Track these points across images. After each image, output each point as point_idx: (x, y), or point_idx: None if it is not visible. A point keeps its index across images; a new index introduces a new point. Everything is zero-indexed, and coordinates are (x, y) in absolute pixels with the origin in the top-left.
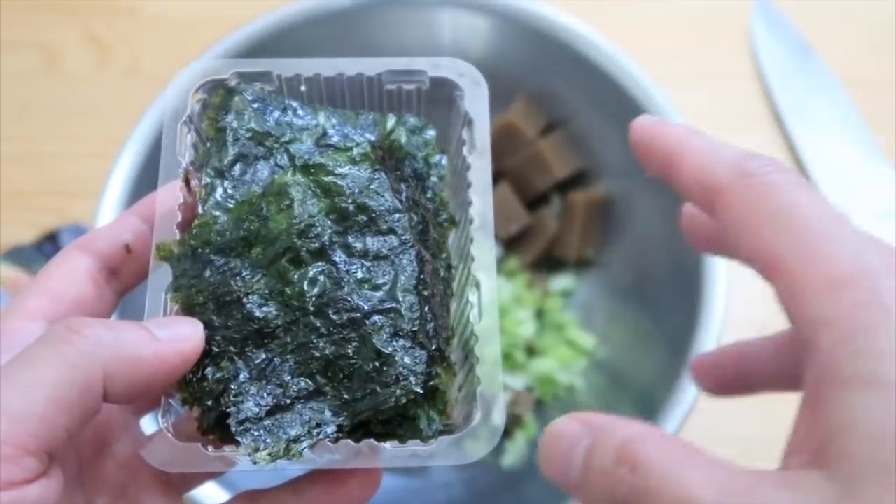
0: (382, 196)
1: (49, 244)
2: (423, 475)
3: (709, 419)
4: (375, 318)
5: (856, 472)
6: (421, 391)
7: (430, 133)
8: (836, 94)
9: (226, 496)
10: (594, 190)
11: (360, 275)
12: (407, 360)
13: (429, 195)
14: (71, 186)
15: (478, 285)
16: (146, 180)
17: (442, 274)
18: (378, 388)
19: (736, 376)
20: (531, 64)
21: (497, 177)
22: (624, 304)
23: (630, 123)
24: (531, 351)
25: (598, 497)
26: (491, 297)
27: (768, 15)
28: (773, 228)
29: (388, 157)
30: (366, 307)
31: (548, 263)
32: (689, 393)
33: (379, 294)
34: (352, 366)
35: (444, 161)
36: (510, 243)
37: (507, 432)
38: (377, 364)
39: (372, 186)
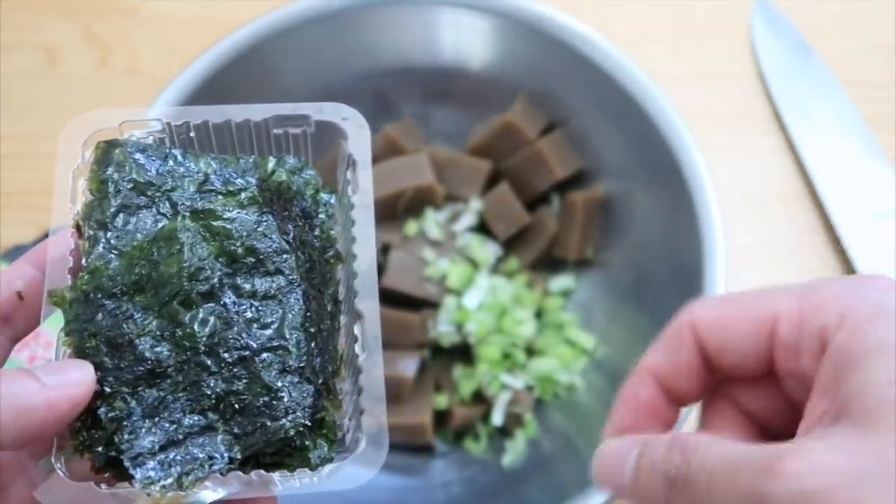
0: (270, 238)
1: None
2: (423, 475)
3: None
4: (265, 355)
5: (873, 416)
6: (308, 423)
7: (310, 173)
8: (836, 94)
9: None
10: (594, 190)
11: (249, 314)
12: (295, 394)
13: (316, 233)
14: None
15: (360, 318)
16: None
17: (329, 308)
18: (268, 422)
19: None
20: (531, 64)
21: (497, 177)
22: (624, 304)
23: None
24: (531, 351)
25: (648, 488)
26: (374, 330)
27: (768, 15)
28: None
29: (276, 198)
30: (255, 345)
31: (548, 263)
32: None
33: (268, 332)
34: (242, 401)
35: (332, 200)
36: (510, 243)
37: (508, 431)
38: (267, 399)
39: (259, 229)
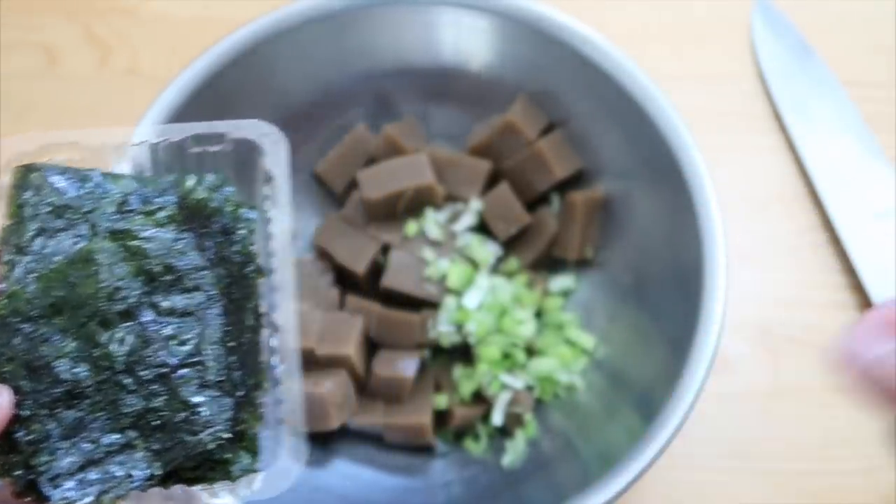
0: (188, 255)
1: None
2: (423, 475)
3: (708, 419)
4: (183, 371)
5: None
6: (228, 436)
7: (229, 189)
8: (836, 94)
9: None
10: (594, 190)
11: (168, 332)
12: (214, 408)
13: (236, 248)
14: None
15: (278, 330)
16: None
17: (251, 323)
18: (187, 437)
19: None
20: (532, 64)
21: (497, 177)
22: (624, 304)
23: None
24: (531, 351)
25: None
26: (292, 342)
27: (768, 15)
28: None
29: (195, 216)
30: (173, 362)
31: (548, 263)
32: (689, 393)
33: (186, 348)
34: (162, 418)
35: (252, 215)
36: (510, 243)
37: (508, 431)
38: (186, 414)
39: (177, 247)
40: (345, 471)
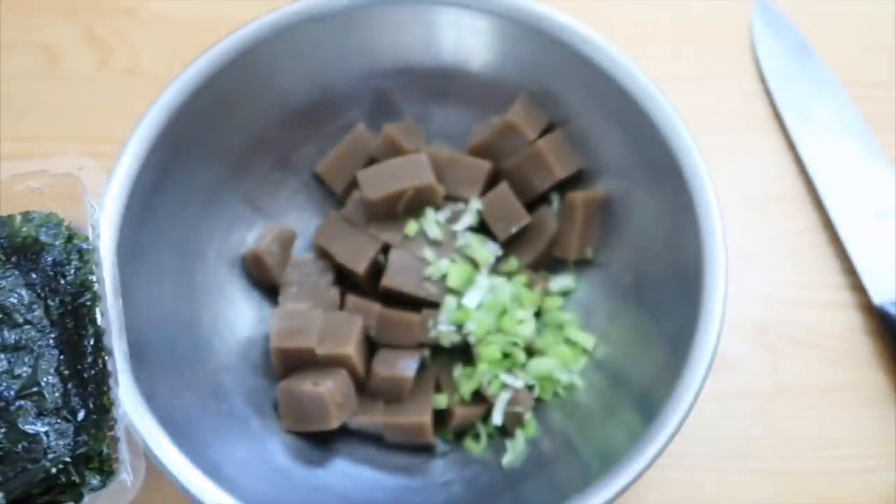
0: (15, 292)
1: None
2: (423, 475)
3: (708, 419)
4: (20, 402)
5: None
6: (69, 459)
7: (58, 224)
8: (836, 94)
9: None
10: (594, 190)
11: (1, 367)
12: (53, 435)
13: (69, 279)
14: None
15: (110, 354)
16: (146, 180)
17: (90, 349)
18: (29, 465)
19: None
20: (532, 64)
21: (497, 177)
22: (624, 304)
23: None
24: (531, 351)
25: None
26: (122, 364)
27: (768, 15)
28: None
29: (22, 253)
30: (10, 395)
31: (548, 263)
32: (689, 393)
33: (21, 381)
34: (2, 450)
35: (85, 246)
36: (510, 243)
37: (508, 431)
38: (26, 444)
39: (4, 286)
40: (345, 470)
